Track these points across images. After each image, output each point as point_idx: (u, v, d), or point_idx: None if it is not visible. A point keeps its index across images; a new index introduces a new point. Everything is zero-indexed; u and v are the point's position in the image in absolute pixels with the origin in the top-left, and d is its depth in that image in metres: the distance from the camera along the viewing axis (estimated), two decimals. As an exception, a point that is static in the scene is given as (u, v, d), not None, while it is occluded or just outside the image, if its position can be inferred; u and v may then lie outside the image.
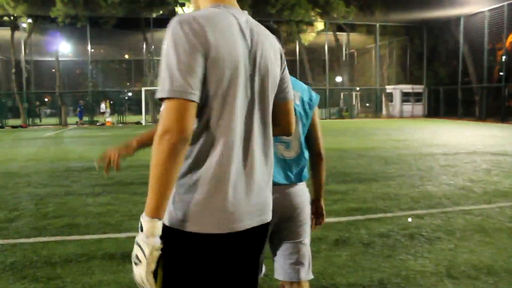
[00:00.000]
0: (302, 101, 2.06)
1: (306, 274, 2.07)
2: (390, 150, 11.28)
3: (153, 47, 29.39)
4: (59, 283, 3.20)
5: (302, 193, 2.09)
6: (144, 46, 29.53)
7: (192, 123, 1.22)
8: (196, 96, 1.22)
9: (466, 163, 8.91)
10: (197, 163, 1.28)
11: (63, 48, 32.22)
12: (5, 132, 22.83)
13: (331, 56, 33.48)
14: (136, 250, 1.22)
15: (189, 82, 1.20)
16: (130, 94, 36.15)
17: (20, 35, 27.45)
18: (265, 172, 1.42)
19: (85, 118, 28.13)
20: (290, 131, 1.58)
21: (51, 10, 24.33)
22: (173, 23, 1.25)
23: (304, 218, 2.10)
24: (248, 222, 1.36)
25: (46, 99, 41.14)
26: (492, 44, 26.81)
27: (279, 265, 2.09)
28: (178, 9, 25.80)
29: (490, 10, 25.62)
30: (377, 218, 4.90)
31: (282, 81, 1.51)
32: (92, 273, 3.36)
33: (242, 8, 1.43)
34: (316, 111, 2.17)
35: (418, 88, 31.69)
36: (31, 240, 4.22)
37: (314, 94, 2.13)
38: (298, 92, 2.04)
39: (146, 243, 1.20)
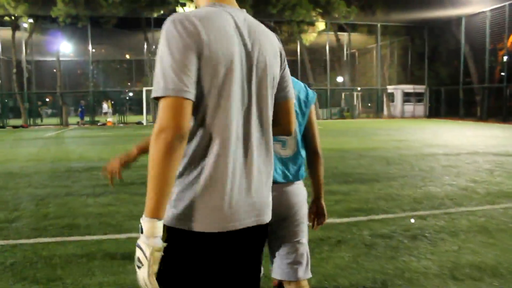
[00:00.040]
0: (299, 100, 2.05)
1: (304, 273, 2.05)
2: (392, 151, 11.25)
3: (154, 47, 29.37)
4: (59, 284, 3.18)
5: (299, 192, 2.07)
6: (145, 46, 29.56)
7: (188, 121, 1.21)
8: (191, 94, 1.21)
9: (468, 163, 8.87)
10: (193, 162, 1.28)
11: (64, 48, 32.22)
12: (6, 132, 22.85)
13: (332, 56, 33.49)
14: (137, 253, 1.20)
15: (184, 81, 1.20)
16: (131, 94, 36.25)
17: (21, 35, 27.48)
18: (264, 172, 1.40)
19: (86, 118, 28.13)
20: (290, 130, 1.55)
21: (52, 10, 24.36)
22: (167, 22, 1.26)
23: (301, 217, 2.08)
24: (245, 221, 1.34)
25: (47, 99, 41.25)
26: (494, 44, 26.80)
27: (277, 265, 2.07)
28: (179, 9, 25.77)
29: (491, 10, 25.59)
30: (380, 219, 4.86)
31: (282, 80, 1.49)
32: (93, 274, 3.34)
33: (243, 8, 1.42)
34: (313, 109, 2.14)
35: (420, 88, 31.68)
36: (32, 240, 4.20)
37: (310, 92, 2.11)
38: (294, 91, 2.02)
39: (147, 244, 1.18)
